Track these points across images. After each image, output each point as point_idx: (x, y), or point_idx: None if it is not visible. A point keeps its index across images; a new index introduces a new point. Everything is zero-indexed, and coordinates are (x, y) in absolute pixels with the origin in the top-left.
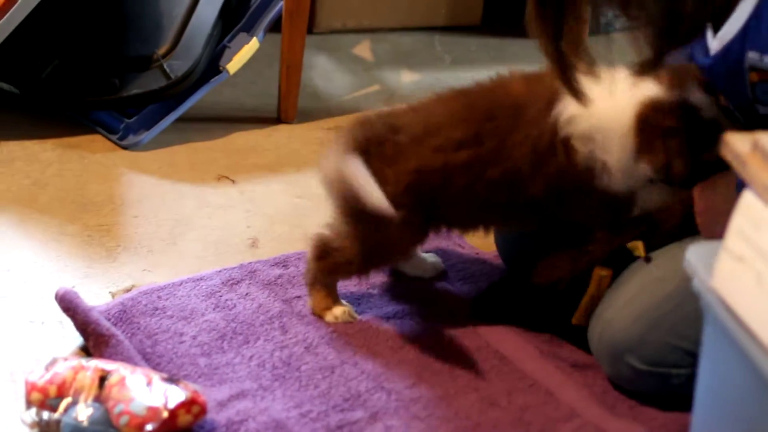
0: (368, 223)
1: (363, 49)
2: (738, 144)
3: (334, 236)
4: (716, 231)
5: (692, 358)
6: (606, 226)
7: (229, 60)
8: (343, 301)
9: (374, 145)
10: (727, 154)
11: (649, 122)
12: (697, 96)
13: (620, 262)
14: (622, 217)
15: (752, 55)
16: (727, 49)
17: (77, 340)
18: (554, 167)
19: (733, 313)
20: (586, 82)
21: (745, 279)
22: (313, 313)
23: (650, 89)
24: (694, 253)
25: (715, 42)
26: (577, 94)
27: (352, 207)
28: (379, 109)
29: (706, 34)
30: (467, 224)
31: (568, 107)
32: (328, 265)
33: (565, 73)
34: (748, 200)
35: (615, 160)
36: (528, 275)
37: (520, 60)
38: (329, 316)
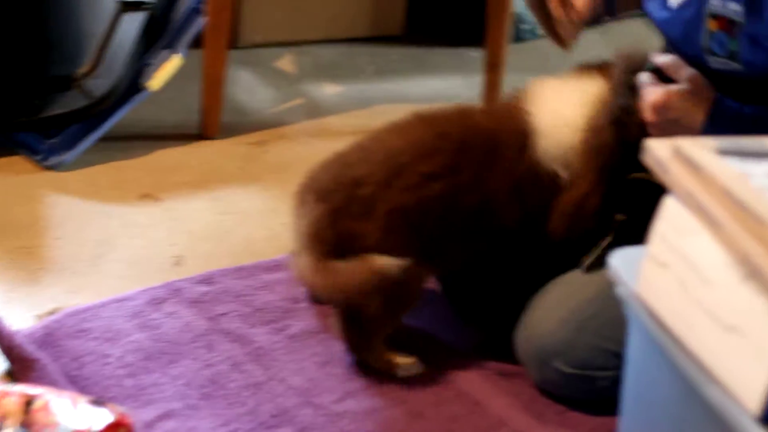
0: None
1: (285, 62)
2: (659, 150)
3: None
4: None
5: (618, 359)
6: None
7: (151, 77)
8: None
9: (342, 208)
10: (648, 159)
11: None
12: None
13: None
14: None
15: (715, 2)
16: None
17: (2, 365)
18: (536, 194)
19: (657, 319)
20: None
21: (668, 285)
22: (383, 373)
23: (593, 94)
24: (618, 259)
25: None
26: (564, 46)
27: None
28: (328, 163)
29: None
30: (449, 259)
31: (539, 142)
32: (364, 327)
33: (557, 37)
34: (670, 206)
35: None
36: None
37: (443, 70)
38: (401, 371)
